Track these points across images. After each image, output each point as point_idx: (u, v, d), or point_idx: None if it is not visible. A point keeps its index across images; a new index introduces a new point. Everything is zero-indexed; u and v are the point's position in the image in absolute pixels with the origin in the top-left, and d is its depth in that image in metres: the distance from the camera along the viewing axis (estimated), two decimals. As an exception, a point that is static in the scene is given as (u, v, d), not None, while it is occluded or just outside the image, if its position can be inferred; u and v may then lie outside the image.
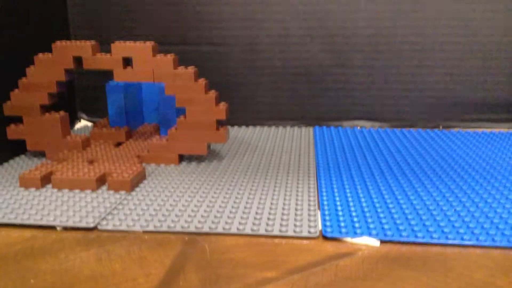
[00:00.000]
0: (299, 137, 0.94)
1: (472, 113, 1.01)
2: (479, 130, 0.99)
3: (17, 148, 0.80)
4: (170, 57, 0.73)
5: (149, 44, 0.73)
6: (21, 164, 0.76)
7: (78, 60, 0.75)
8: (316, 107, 1.04)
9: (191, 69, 0.74)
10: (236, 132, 0.98)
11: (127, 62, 0.75)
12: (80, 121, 1.09)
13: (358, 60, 1.00)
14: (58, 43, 0.74)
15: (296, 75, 1.02)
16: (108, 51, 0.75)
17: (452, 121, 1.01)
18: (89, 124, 1.07)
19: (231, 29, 1.00)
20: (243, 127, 1.03)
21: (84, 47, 0.74)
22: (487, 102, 1.00)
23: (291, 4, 0.98)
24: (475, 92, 1.00)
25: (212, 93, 0.74)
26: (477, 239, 0.50)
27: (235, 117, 1.02)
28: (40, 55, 0.75)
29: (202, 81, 0.74)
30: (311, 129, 1.01)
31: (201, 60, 1.01)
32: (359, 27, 0.98)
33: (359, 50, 1.00)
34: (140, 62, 0.74)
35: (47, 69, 0.75)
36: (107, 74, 0.78)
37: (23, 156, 0.81)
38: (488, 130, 0.99)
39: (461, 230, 0.52)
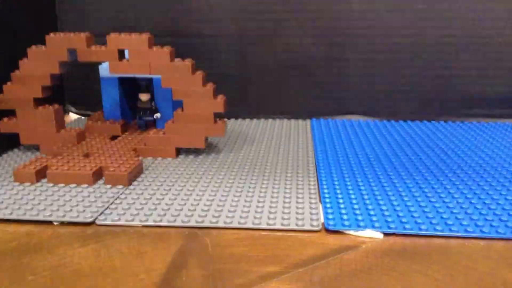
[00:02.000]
0: (296, 130, 0.93)
1: (470, 108, 0.99)
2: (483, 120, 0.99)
3: (10, 142, 0.79)
4: (166, 49, 0.72)
5: (145, 36, 0.72)
6: (15, 158, 0.75)
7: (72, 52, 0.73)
8: (308, 101, 1.02)
9: (188, 62, 0.72)
10: (233, 125, 0.97)
11: (122, 54, 0.74)
12: (68, 114, 1.06)
13: (352, 53, 0.98)
14: (51, 35, 0.72)
15: (287, 68, 1.00)
16: (98, 43, 0.73)
17: (450, 116, 1.00)
18: (79, 117, 1.05)
19: (221, 21, 0.98)
20: (240, 120, 1.02)
21: (78, 39, 0.73)
22: (486, 97, 0.98)
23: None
24: (473, 87, 0.98)
25: (210, 86, 0.73)
26: (481, 231, 0.50)
27: (228, 110, 1.01)
28: (33, 47, 0.73)
29: (199, 74, 0.73)
30: (308, 121, 1.00)
31: (192, 52, 0.98)
32: (353, 20, 0.96)
33: (353, 43, 0.98)
34: (136, 55, 0.72)
35: (41, 62, 0.73)
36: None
37: (16, 150, 0.79)
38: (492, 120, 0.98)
39: (465, 222, 0.51)
